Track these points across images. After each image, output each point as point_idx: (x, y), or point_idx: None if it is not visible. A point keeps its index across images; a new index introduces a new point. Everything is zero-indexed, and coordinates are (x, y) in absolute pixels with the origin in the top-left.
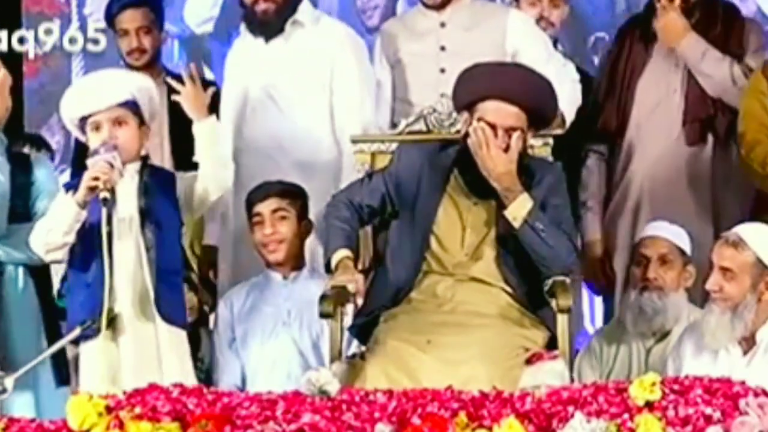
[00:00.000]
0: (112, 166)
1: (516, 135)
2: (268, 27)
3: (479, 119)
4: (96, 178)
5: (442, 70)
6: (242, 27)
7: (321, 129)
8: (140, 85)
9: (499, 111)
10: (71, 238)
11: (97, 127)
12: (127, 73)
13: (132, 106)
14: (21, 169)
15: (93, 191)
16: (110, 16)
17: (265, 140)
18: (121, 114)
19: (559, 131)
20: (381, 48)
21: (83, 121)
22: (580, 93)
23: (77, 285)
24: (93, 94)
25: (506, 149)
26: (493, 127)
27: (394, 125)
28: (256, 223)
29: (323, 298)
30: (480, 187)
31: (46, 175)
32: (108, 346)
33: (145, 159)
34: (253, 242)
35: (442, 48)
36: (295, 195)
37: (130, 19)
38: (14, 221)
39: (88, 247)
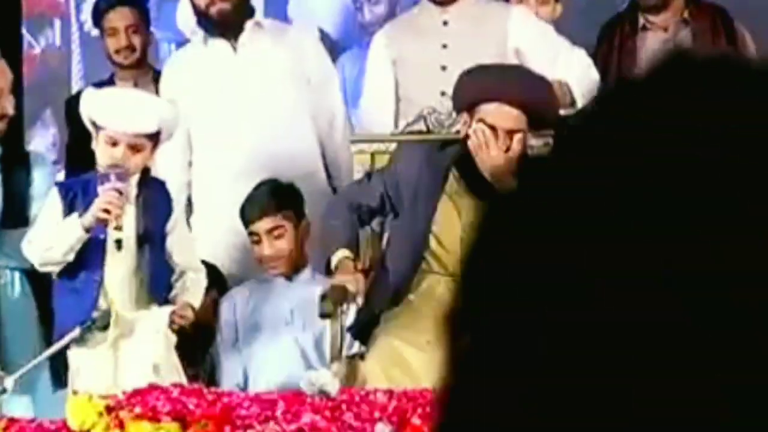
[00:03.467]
0: (121, 194)
1: (518, 137)
2: (227, 27)
3: (479, 120)
4: (107, 211)
5: (443, 68)
6: (196, 37)
7: (302, 135)
8: (168, 116)
9: (499, 113)
10: (71, 258)
11: (113, 143)
12: (160, 101)
13: (154, 135)
14: (18, 170)
15: (102, 221)
16: (98, 15)
17: (246, 145)
18: (141, 142)
19: (568, 111)
20: (384, 47)
21: (100, 126)
22: (594, 73)
23: (63, 290)
24: (124, 113)
25: (507, 150)
26: (493, 128)
27: (397, 125)
28: (254, 241)
29: (323, 298)
30: (479, 188)
31: (44, 176)
32: (101, 352)
33: (145, 172)
34: (253, 255)
35: (444, 46)
36: (288, 202)
37: (119, 17)
38: (9, 224)
39: (78, 255)
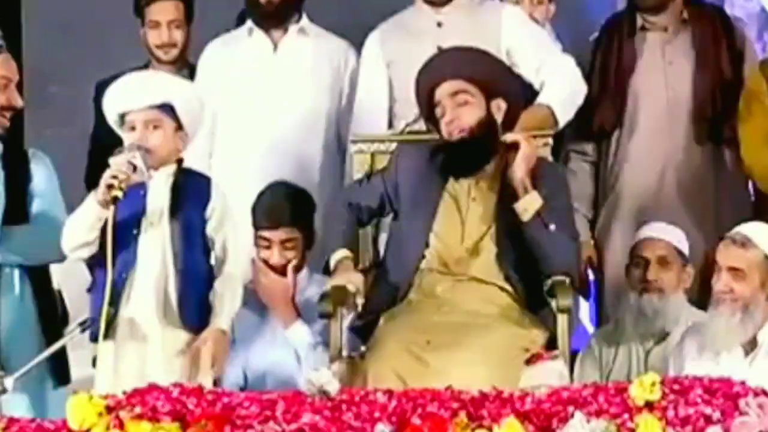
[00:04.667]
0: (133, 166)
1: (470, 100)
2: (273, 17)
3: (442, 114)
4: (114, 177)
5: None
6: (246, 25)
7: (322, 142)
8: (180, 90)
9: (450, 87)
10: (93, 236)
11: (132, 128)
12: (168, 76)
13: (168, 110)
14: (18, 168)
15: (111, 189)
16: (139, 6)
17: (264, 145)
18: (155, 117)
19: (550, 131)
20: (377, 48)
21: (122, 119)
22: (580, 88)
23: (101, 283)
24: (130, 93)
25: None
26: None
27: (391, 126)
28: (262, 245)
29: (323, 297)
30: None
31: (45, 174)
32: (123, 349)
33: (180, 162)
34: (257, 254)
35: (439, 49)
36: (304, 213)
37: (162, 10)
38: (11, 221)
39: (112, 249)
